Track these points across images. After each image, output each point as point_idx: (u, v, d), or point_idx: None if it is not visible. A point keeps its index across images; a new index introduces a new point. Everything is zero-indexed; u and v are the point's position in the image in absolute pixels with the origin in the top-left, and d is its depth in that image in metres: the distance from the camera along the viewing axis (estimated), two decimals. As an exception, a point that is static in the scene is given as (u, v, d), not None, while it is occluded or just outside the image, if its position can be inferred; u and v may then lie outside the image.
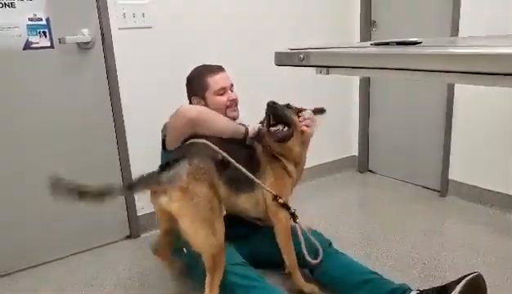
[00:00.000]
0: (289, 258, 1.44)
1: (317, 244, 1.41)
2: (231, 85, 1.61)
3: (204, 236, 1.21)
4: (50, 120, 1.77)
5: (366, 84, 2.72)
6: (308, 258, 1.36)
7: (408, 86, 2.49)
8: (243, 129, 1.48)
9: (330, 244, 1.53)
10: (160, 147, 1.54)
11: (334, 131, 2.66)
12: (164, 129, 1.53)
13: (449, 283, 1.26)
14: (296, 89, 2.47)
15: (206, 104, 1.57)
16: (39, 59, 1.70)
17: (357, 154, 2.85)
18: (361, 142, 2.81)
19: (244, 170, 1.32)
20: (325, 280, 1.47)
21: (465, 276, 1.23)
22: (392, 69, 0.69)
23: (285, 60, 0.90)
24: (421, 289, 1.31)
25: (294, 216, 1.40)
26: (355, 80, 2.76)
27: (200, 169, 1.25)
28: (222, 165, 1.32)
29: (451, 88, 2.22)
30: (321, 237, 1.54)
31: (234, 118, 1.58)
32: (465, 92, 2.16)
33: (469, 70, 0.59)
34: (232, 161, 1.31)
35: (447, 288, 1.24)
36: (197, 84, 1.58)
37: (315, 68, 0.87)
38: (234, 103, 1.59)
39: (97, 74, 1.84)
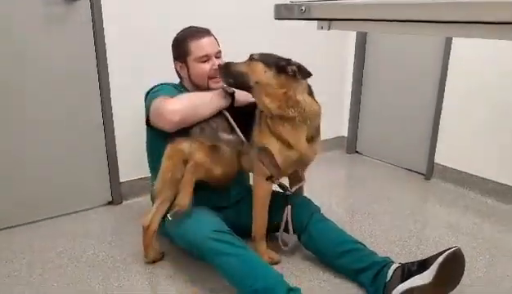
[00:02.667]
0: (258, 226, 1.45)
1: (292, 234, 1.46)
2: (218, 52, 1.50)
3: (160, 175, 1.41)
4: (33, 71, 1.68)
5: (358, 72, 2.70)
6: (281, 243, 1.48)
7: (401, 69, 2.48)
8: (224, 98, 1.42)
9: (319, 211, 1.53)
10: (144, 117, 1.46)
11: (325, 111, 2.63)
12: (147, 108, 1.42)
13: (429, 257, 1.28)
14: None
15: (188, 70, 1.49)
16: (21, 8, 1.59)
17: (346, 135, 2.85)
18: (351, 123, 2.81)
19: (237, 129, 1.38)
20: (310, 246, 1.49)
21: (445, 250, 1.25)
22: (398, 20, 0.65)
23: (284, 12, 0.85)
24: (403, 263, 1.33)
25: (287, 197, 1.43)
26: (349, 62, 2.72)
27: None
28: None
29: (443, 72, 2.21)
30: (311, 203, 1.56)
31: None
32: (457, 79, 2.17)
33: (471, 19, 0.57)
34: (230, 119, 1.39)
35: (428, 261, 1.26)
36: (179, 48, 1.49)
37: (316, 23, 0.83)
38: (218, 73, 1.44)
39: (83, 27, 1.75)
